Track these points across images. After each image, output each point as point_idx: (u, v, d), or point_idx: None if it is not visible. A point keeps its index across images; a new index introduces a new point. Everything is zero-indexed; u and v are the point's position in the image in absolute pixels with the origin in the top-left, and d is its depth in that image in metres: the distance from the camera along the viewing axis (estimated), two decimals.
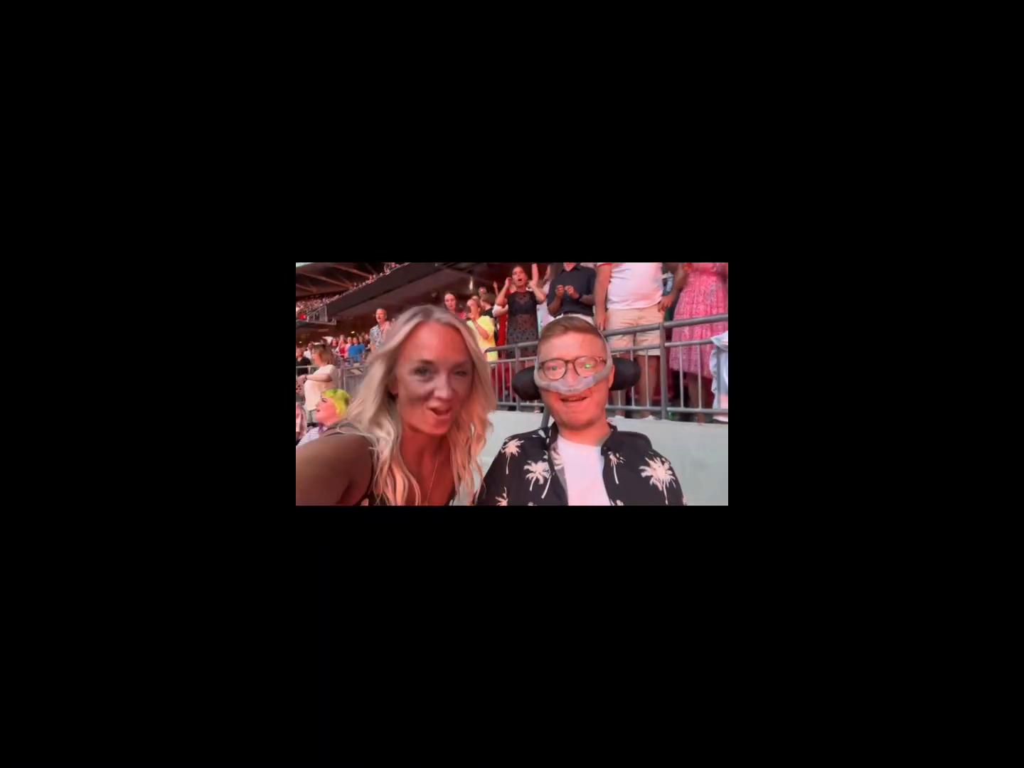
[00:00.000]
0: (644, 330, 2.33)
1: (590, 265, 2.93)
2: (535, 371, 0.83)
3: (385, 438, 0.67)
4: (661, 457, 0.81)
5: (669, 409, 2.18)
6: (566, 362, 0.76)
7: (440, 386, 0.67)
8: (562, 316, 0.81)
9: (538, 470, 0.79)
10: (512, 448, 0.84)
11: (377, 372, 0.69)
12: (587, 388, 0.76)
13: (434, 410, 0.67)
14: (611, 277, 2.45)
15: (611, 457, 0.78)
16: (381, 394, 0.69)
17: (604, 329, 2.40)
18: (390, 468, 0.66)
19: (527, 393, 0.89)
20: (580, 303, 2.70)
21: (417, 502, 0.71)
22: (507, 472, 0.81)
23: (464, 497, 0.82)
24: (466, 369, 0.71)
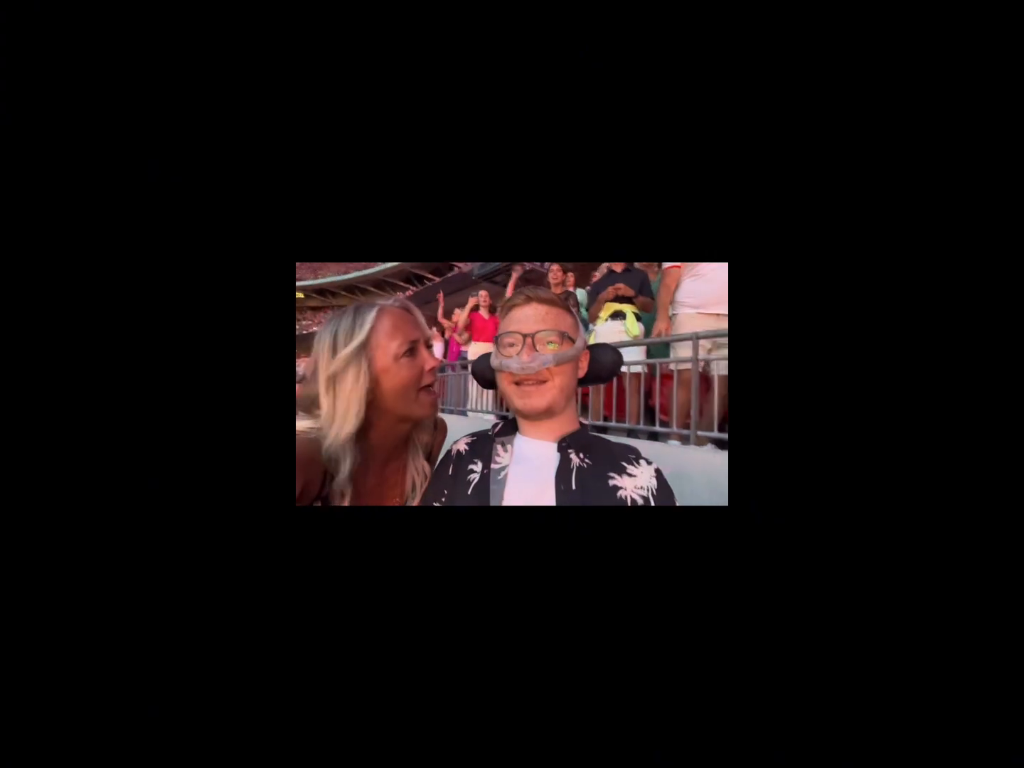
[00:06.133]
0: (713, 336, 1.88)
1: (639, 266, 2.72)
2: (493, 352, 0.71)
3: (346, 462, 0.62)
4: (646, 463, 0.65)
5: (699, 433, 1.91)
6: (524, 336, 0.63)
7: (427, 357, 0.67)
8: (528, 287, 0.68)
9: (478, 469, 0.66)
10: (460, 445, 0.72)
11: (350, 379, 0.62)
12: (545, 368, 0.62)
13: (428, 387, 0.67)
14: (682, 278, 2.07)
15: (572, 456, 0.64)
16: (360, 404, 0.62)
17: (668, 335, 2.12)
18: (342, 490, 0.64)
19: (485, 378, 0.76)
20: (633, 303, 2.49)
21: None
22: (450, 472, 0.69)
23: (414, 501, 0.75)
24: (429, 344, 0.70)
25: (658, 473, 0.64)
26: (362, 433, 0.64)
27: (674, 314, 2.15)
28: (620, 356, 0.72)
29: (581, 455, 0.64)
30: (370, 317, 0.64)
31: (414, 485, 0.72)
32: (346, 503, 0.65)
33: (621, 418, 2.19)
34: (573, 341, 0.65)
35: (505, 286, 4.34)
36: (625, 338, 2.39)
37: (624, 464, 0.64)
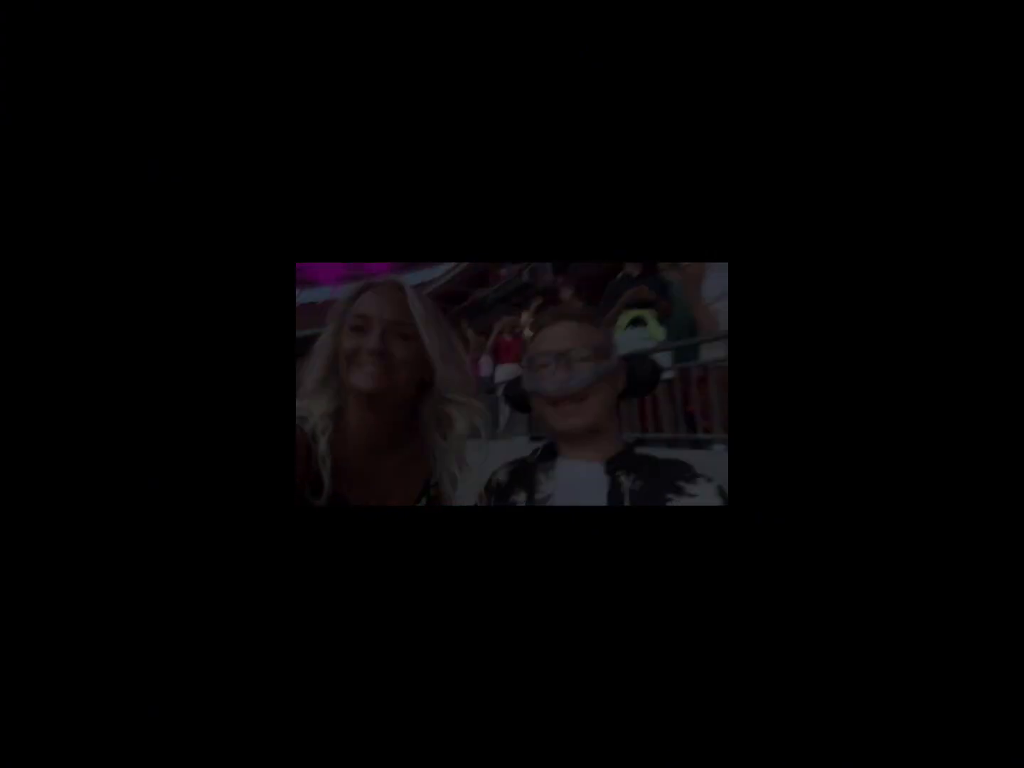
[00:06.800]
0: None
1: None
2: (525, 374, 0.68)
3: (318, 414, 0.59)
4: (705, 480, 0.59)
5: None
6: (557, 355, 0.61)
7: (370, 340, 0.59)
8: (554, 306, 0.67)
9: (522, 500, 0.63)
10: (500, 476, 0.69)
11: (326, 337, 0.63)
12: (583, 386, 0.59)
13: (361, 365, 0.59)
14: (703, 274, 1.93)
15: (622, 478, 0.60)
16: (327, 359, 0.62)
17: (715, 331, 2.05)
18: (323, 456, 0.58)
19: (518, 402, 0.73)
20: (652, 305, 2.37)
21: (374, 499, 0.63)
22: (490, 506, 0.66)
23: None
24: (409, 333, 0.61)
25: (721, 491, 0.59)
26: (341, 407, 0.63)
27: (710, 307, 2.06)
28: (658, 365, 0.68)
29: (631, 476, 0.60)
30: (355, 287, 0.64)
31: (427, 497, 0.67)
32: (325, 477, 0.59)
33: (658, 428, 2.11)
34: (608, 356, 0.62)
35: (520, 306, 4.39)
36: (649, 344, 2.33)
37: (681, 484, 0.59)
